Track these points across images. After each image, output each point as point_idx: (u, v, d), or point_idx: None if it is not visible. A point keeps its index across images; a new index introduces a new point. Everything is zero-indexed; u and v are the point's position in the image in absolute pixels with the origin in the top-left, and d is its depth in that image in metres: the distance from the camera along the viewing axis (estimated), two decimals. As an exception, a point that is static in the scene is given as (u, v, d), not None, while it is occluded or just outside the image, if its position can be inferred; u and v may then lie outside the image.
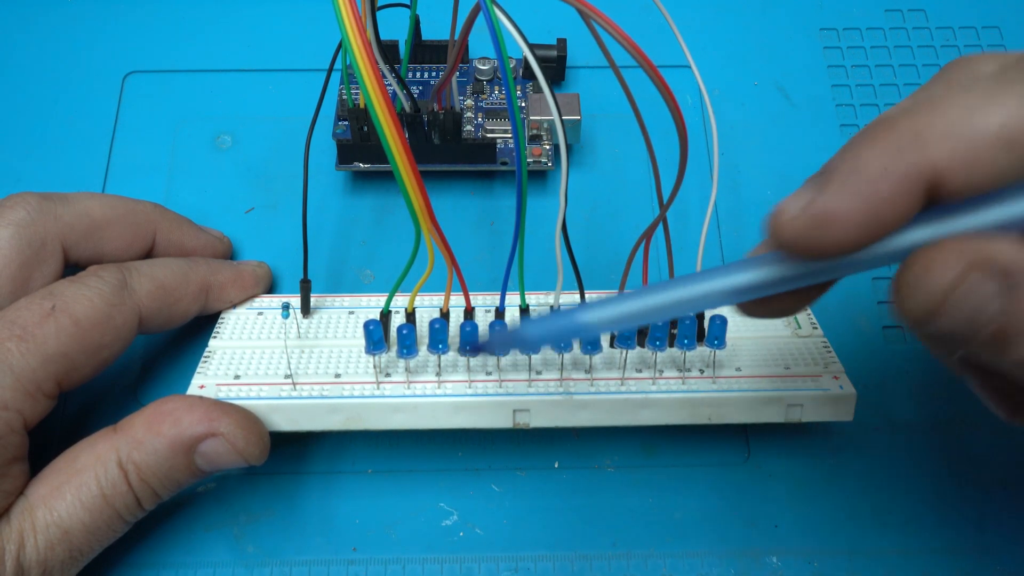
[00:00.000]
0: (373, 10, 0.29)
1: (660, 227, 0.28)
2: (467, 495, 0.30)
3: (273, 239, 0.34)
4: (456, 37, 0.26)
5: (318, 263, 0.34)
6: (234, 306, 0.31)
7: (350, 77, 0.33)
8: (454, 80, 0.32)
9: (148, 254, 0.30)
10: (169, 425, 0.25)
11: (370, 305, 0.30)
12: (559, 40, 0.37)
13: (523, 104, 0.35)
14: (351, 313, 0.30)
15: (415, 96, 0.36)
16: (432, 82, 0.37)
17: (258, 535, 0.29)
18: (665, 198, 0.26)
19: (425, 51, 0.37)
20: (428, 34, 0.37)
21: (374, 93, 0.22)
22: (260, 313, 0.30)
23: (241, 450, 0.26)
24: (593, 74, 0.38)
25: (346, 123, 0.34)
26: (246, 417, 0.26)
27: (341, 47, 0.31)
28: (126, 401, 0.31)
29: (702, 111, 0.38)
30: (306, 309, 0.30)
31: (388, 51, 0.36)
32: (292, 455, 0.30)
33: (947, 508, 0.29)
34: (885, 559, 0.29)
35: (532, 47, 0.36)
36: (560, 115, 0.24)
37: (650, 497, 0.30)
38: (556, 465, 0.30)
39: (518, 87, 0.36)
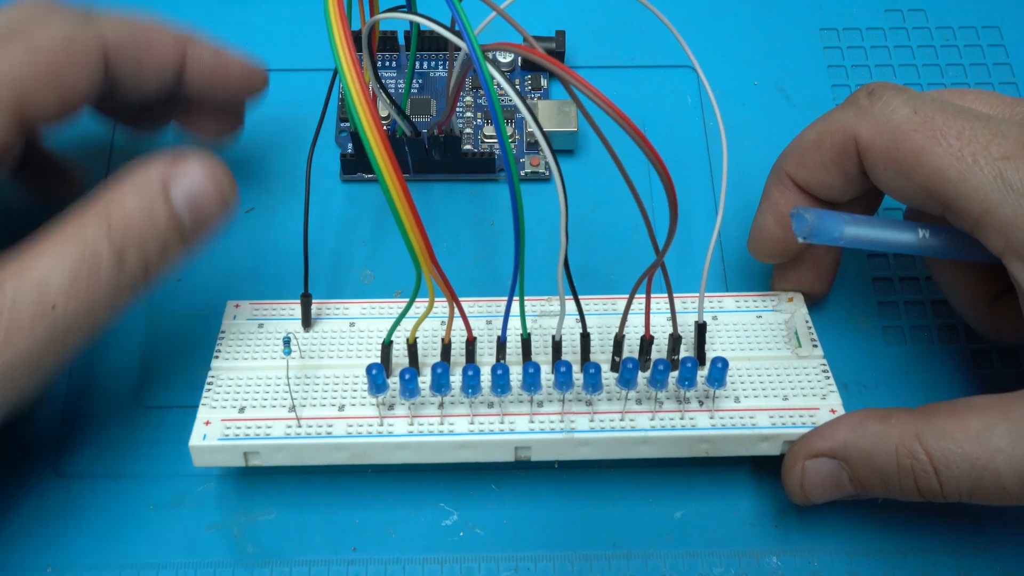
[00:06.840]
0: (372, 53, 0.29)
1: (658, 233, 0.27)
2: (467, 495, 0.30)
3: (273, 239, 0.34)
4: (453, 70, 0.26)
5: (318, 264, 0.34)
6: (235, 314, 0.30)
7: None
8: (453, 118, 0.32)
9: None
10: (137, 172, 0.24)
11: (371, 315, 0.30)
12: (558, 32, 0.36)
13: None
14: (352, 325, 0.30)
15: (415, 97, 0.36)
16: (431, 73, 0.36)
17: (258, 535, 0.29)
18: (660, 244, 0.26)
19: (424, 40, 0.36)
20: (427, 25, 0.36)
21: (375, 143, 0.22)
22: (261, 325, 0.30)
23: (216, 176, 0.24)
24: (592, 73, 0.38)
25: (348, 124, 0.34)
26: (206, 153, 0.25)
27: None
28: (127, 405, 0.31)
29: (702, 111, 0.38)
30: (307, 323, 0.30)
31: (386, 42, 0.36)
32: (292, 455, 0.30)
33: (947, 508, 0.29)
34: (885, 559, 0.29)
35: (532, 54, 0.36)
36: (559, 171, 0.24)
37: (650, 497, 0.30)
38: (556, 465, 0.30)
39: (516, 80, 0.36)
